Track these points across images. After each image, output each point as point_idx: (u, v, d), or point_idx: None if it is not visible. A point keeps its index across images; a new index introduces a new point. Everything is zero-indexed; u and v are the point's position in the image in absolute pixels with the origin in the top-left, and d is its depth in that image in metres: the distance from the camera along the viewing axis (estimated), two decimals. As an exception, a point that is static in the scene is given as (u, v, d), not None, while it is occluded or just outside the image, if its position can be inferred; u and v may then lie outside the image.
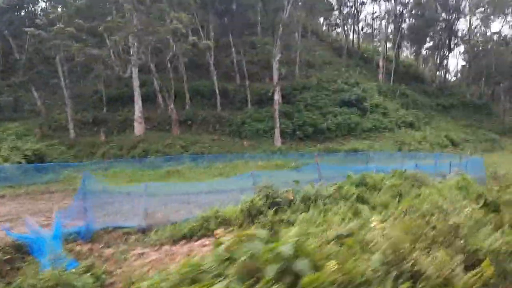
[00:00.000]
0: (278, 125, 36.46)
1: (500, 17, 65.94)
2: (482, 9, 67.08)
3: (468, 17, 63.22)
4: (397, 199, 11.31)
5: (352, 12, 62.23)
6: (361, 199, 10.55)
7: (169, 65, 33.71)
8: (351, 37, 64.30)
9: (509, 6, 64.03)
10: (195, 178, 21.19)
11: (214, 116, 39.65)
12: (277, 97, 35.91)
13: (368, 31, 73.59)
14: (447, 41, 62.05)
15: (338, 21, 62.62)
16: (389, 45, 67.67)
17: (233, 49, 44.06)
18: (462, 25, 67.11)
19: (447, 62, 65.92)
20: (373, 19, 68.02)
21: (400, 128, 41.89)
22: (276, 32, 35.01)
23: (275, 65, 35.58)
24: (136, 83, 32.88)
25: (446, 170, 19.81)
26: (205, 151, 31.88)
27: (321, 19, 69.46)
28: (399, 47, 66.17)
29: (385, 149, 34.85)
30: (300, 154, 33.95)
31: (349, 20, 62.64)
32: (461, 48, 73.37)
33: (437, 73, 64.92)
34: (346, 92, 42.88)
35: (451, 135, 39.87)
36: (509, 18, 64.01)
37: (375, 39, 69.25)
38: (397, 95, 49.82)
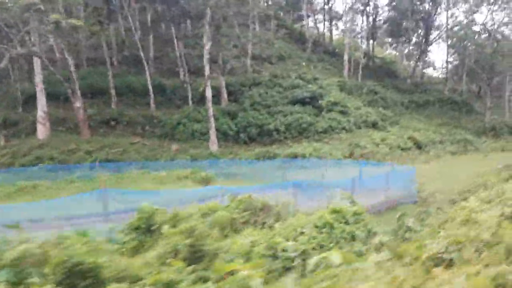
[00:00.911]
0: (213, 126, 31.52)
1: (484, 8, 60.66)
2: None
3: (447, 8, 58.11)
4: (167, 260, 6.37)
5: (323, 2, 57.44)
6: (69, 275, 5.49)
7: (69, 57, 28.48)
8: (321, 29, 59.45)
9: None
10: (49, 196, 16.17)
11: (145, 116, 34.71)
12: (209, 93, 30.88)
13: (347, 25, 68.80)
14: (425, 34, 57.15)
15: (305, 12, 57.16)
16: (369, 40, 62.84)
17: (175, 41, 39.15)
18: (444, 18, 61.57)
19: (425, 57, 60.39)
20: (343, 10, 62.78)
21: (361, 128, 36.96)
22: (205, 17, 29.99)
23: (206, 56, 30.57)
24: (38, 77, 27.92)
25: (368, 185, 14.93)
26: (116, 157, 26.91)
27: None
28: (374, 40, 61.21)
29: (335, 153, 29.91)
30: (237, 160, 29.20)
31: (318, 13, 57.76)
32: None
33: (416, 68, 59.86)
34: (300, 89, 37.99)
35: (416, 136, 34.85)
36: (495, 7, 58.30)
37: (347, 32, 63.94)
38: (364, 92, 44.85)
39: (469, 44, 55.10)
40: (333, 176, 18.83)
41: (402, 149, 32.25)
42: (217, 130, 33.24)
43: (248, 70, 41.37)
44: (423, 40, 57.42)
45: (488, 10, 53.54)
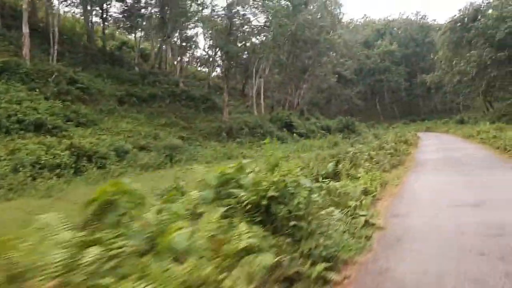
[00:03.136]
0: None
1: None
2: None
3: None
4: None
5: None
6: None
7: None
8: None
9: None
10: None
11: None
12: None
13: None
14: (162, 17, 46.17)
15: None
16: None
17: None
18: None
19: (162, 45, 49.36)
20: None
21: (10, 133, 22.62)
22: None
23: None
24: None
25: None
26: None
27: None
28: (103, 18, 47.68)
29: None
30: None
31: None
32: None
33: (157, 57, 48.84)
34: None
35: (85, 144, 22.18)
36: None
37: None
38: (53, 81, 30.72)
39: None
40: None
41: (42, 168, 18.90)
42: None
43: None
44: (163, 24, 46.43)
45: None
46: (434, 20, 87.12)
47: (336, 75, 70.35)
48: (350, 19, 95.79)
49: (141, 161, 23.40)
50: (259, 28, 42.83)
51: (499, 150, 16.43)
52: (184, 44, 56.64)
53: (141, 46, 60.74)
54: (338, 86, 76.95)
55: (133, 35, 51.78)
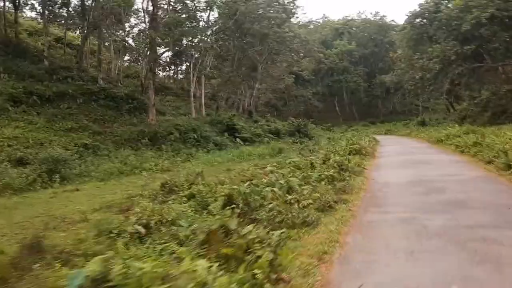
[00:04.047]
0: None
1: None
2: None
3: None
4: None
5: None
6: None
7: None
8: None
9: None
10: None
11: None
12: None
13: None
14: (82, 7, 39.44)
15: None
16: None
17: None
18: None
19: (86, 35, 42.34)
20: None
21: None
22: None
23: None
24: None
25: None
26: None
27: None
28: (17, 6, 40.45)
29: None
30: None
31: None
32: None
33: (81, 50, 41.87)
34: None
35: None
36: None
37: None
38: None
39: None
40: None
41: None
42: None
43: None
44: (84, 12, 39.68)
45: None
46: (393, 20, 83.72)
47: (293, 75, 65.57)
48: (309, 19, 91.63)
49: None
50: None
51: (495, 167, 10.99)
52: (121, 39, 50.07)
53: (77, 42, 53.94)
54: (295, 87, 72.22)
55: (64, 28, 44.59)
